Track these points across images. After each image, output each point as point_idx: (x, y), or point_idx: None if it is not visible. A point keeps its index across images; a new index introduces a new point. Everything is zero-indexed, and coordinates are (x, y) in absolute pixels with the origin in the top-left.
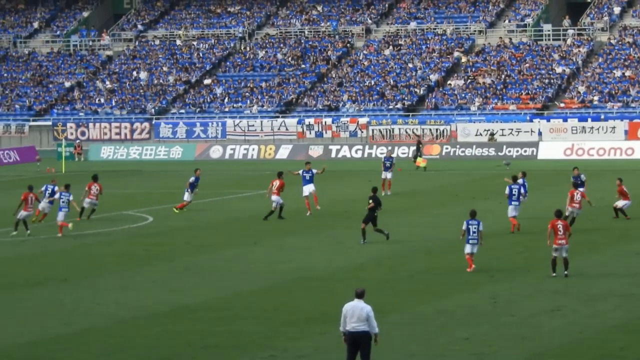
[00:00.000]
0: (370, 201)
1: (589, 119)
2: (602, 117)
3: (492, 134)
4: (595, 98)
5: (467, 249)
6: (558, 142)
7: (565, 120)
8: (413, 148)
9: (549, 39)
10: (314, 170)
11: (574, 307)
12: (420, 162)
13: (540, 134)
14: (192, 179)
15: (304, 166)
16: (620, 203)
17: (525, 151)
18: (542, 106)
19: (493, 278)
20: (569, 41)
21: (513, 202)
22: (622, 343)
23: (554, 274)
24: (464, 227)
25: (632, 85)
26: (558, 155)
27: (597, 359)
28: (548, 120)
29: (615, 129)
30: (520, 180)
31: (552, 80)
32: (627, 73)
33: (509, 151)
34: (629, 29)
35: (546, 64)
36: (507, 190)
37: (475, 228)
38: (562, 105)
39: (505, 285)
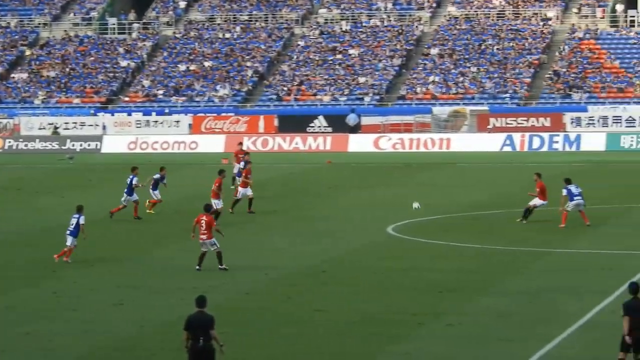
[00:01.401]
0: None
1: (154, 113)
2: (167, 111)
3: (56, 128)
4: (160, 92)
5: (67, 241)
6: (122, 135)
7: (129, 114)
8: None
9: (114, 33)
10: None
11: (136, 301)
12: None
13: (104, 127)
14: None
15: None
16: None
17: (89, 145)
18: (107, 100)
19: (55, 273)
20: (134, 35)
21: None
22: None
23: (197, 268)
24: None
25: (196, 80)
26: (122, 149)
27: (157, 351)
28: (112, 114)
29: (179, 122)
30: (157, 175)
31: (117, 74)
32: (192, 67)
33: (73, 145)
34: (194, 23)
35: (111, 57)
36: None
37: (75, 221)
38: (126, 99)
39: (69, 280)
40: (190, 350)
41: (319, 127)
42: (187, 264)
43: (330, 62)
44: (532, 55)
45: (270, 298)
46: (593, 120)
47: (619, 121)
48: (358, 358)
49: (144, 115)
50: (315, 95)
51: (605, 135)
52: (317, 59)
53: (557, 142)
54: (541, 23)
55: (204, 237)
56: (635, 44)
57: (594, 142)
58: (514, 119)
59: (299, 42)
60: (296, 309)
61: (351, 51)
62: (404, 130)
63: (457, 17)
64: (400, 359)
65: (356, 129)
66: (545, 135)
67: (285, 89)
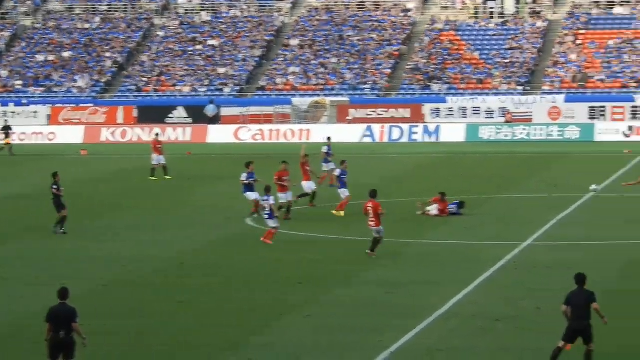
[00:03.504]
0: None
1: (12, 104)
2: (25, 101)
3: None
4: (18, 83)
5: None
6: None
7: None
8: None
9: None
10: None
11: None
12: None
13: None
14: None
15: None
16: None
17: None
18: None
19: None
20: None
21: None
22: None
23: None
24: None
25: (55, 70)
26: None
27: (18, 342)
28: None
29: (37, 113)
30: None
31: None
32: (51, 58)
33: None
34: (52, 13)
35: None
36: None
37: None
38: None
39: None
40: (50, 342)
41: (179, 118)
42: (45, 255)
43: (190, 52)
44: (392, 47)
45: (129, 290)
46: (452, 111)
47: (478, 112)
48: (221, 349)
49: (2, 106)
50: (174, 86)
51: (464, 126)
52: (176, 49)
53: (416, 133)
54: (401, 14)
55: (372, 224)
56: (494, 35)
57: (453, 133)
58: (374, 110)
59: (159, 33)
60: (157, 300)
61: (211, 42)
62: (264, 121)
63: (317, 8)
64: (262, 350)
65: (215, 119)
66: (405, 126)
67: (144, 79)
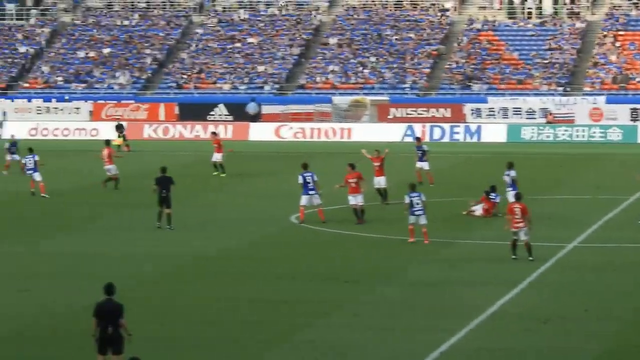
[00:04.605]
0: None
1: (54, 100)
2: (67, 97)
3: None
4: (60, 79)
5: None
6: (23, 122)
7: (30, 100)
8: None
9: (12, 19)
10: None
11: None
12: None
13: (5, 114)
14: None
15: None
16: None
17: None
18: (6, 86)
19: None
20: (32, 21)
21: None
22: None
23: (514, 257)
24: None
25: (95, 66)
26: (23, 135)
27: (63, 333)
28: (13, 100)
29: (80, 109)
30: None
31: (15, 60)
32: (91, 54)
33: None
34: (92, 10)
35: (9, 43)
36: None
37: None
38: (26, 85)
39: None
40: (99, 337)
41: (220, 115)
42: (101, 250)
43: (229, 50)
44: (431, 46)
45: (178, 285)
46: (493, 111)
47: (519, 113)
48: (264, 346)
49: (44, 101)
50: (215, 83)
51: (506, 127)
52: (215, 47)
53: (458, 132)
54: (439, 14)
55: (521, 225)
56: (532, 35)
57: (494, 133)
58: (414, 109)
59: (197, 30)
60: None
61: (250, 40)
62: (304, 119)
63: (355, 7)
64: (304, 347)
65: (256, 117)
66: (446, 125)
67: (184, 77)
